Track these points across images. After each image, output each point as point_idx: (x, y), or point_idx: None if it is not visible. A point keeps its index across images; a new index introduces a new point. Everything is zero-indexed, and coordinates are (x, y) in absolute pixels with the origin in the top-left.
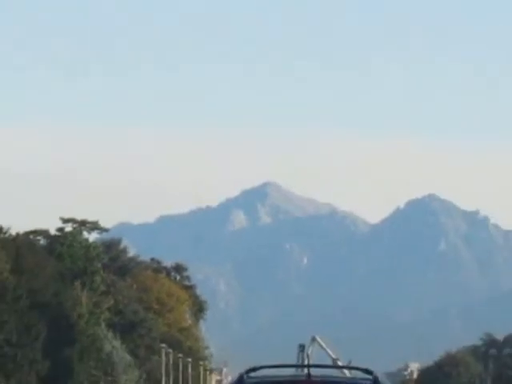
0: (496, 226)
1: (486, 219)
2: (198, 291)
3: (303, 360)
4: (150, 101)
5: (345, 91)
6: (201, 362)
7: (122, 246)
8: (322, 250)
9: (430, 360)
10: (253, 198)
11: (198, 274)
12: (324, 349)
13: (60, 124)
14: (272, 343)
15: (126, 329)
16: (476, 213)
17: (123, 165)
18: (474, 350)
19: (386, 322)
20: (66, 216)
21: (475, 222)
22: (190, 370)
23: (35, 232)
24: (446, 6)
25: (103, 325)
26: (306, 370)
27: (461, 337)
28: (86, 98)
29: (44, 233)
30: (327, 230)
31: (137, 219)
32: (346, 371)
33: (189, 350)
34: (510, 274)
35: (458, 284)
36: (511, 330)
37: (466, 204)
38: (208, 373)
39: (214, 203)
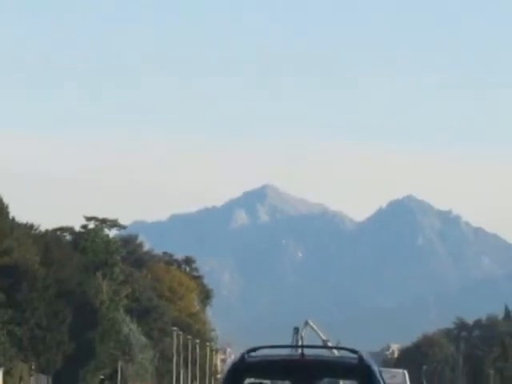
0: (467, 224)
1: (458, 217)
2: (205, 281)
3: (297, 341)
4: (160, 106)
5: (335, 105)
6: (207, 343)
7: (138, 241)
8: (314, 244)
9: (408, 341)
10: (253, 199)
11: (204, 266)
12: (315, 331)
13: (78, 132)
14: (270, 326)
15: (142, 314)
16: (449, 212)
17: (139, 169)
18: (447, 333)
19: (371, 308)
20: (89, 215)
21: (448, 220)
22: (197, 350)
23: (62, 229)
24: (429, 19)
25: (122, 310)
26: (299, 350)
27: (436, 321)
28: (96, 101)
29: (69, 229)
30: (319, 227)
31: (151, 218)
32: (335, 351)
33: (197, 333)
34: (479, 266)
35: (433, 274)
36: (480, 315)
37: (440, 204)
38: (214, 352)
39: (219, 203)
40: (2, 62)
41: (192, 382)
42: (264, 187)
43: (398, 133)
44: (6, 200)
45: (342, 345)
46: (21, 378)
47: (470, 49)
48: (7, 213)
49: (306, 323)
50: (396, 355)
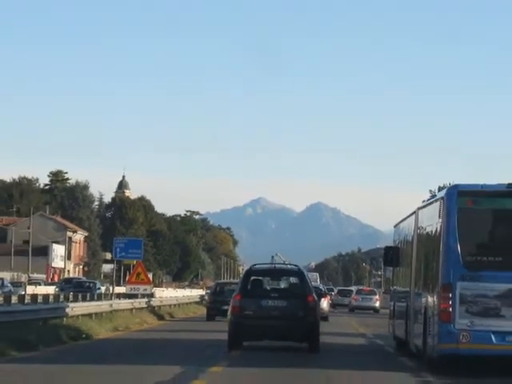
0: (343, 213)
1: (339, 210)
2: (235, 237)
3: (272, 261)
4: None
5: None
6: (236, 262)
7: (207, 221)
8: (279, 222)
9: (319, 261)
10: (255, 203)
11: (234, 231)
12: (280, 257)
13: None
14: (262, 256)
15: (209, 250)
16: (335, 208)
17: (202, 185)
18: (334, 257)
19: (303, 249)
20: (187, 209)
21: (335, 212)
22: (231, 265)
23: (175, 215)
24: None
25: (201, 249)
26: (273, 265)
27: (330, 253)
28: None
29: (179, 215)
30: (281, 215)
31: (213, 210)
32: (288, 265)
33: (231, 258)
34: (347, 231)
35: (328, 235)
36: (348, 251)
37: (331, 205)
38: (238, 266)
39: (240, 205)
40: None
41: (229, 278)
42: (259, 198)
43: (311, 170)
44: (153, 203)
45: (290, 262)
46: (159, 277)
47: None
48: (153, 208)
49: (276, 254)
50: (314, 267)
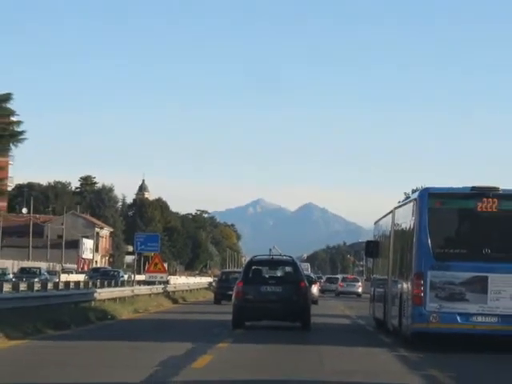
0: (330, 212)
1: (326, 210)
2: (238, 232)
3: (270, 253)
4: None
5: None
6: (240, 254)
7: (214, 218)
8: (276, 220)
9: (310, 253)
10: (255, 203)
11: (238, 227)
12: (277, 250)
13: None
14: (262, 249)
15: (216, 243)
16: (324, 208)
17: (212, 186)
18: (323, 250)
19: (296, 243)
20: (197, 208)
21: (324, 211)
22: (235, 256)
23: (188, 214)
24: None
25: (209, 242)
26: (271, 256)
27: (319, 246)
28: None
29: (190, 214)
30: (277, 214)
31: (220, 209)
32: (284, 256)
33: (236, 250)
34: (333, 227)
35: (317, 231)
36: (335, 244)
37: (320, 205)
38: (241, 257)
39: (242, 205)
40: None
41: (233, 267)
42: (259, 199)
43: (302, 175)
44: (169, 203)
45: (285, 253)
46: (173, 266)
47: None
48: (169, 208)
49: (273, 247)
50: (305, 258)
